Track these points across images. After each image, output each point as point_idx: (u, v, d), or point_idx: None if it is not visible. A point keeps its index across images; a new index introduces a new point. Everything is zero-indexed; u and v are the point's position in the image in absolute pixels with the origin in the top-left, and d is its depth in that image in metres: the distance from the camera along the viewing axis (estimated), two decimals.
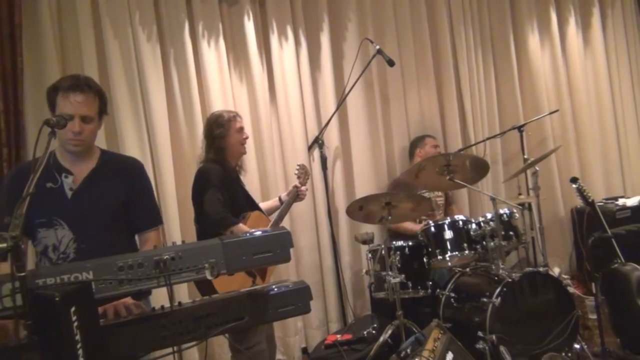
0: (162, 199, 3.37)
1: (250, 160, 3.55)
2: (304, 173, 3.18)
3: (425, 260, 3.30)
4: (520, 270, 3.09)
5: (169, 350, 1.41)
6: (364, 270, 3.52)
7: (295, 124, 3.87)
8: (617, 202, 4.44)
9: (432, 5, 4.40)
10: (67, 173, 1.95)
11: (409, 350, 2.45)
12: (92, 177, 1.98)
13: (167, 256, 1.33)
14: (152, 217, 2.14)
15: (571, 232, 4.74)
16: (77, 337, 1.14)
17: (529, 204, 4.07)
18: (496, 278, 2.99)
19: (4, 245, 1.12)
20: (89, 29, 3.25)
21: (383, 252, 3.16)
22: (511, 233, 3.24)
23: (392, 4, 4.25)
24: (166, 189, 3.39)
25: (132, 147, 3.31)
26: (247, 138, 2.95)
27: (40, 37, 3.11)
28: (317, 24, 4.00)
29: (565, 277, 4.48)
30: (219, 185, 2.68)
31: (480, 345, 2.77)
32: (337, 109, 3.92)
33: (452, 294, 3.19)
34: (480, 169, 3.30)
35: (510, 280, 2.89)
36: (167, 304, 1.38)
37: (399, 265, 3.15)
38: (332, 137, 4.01)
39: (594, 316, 3.38)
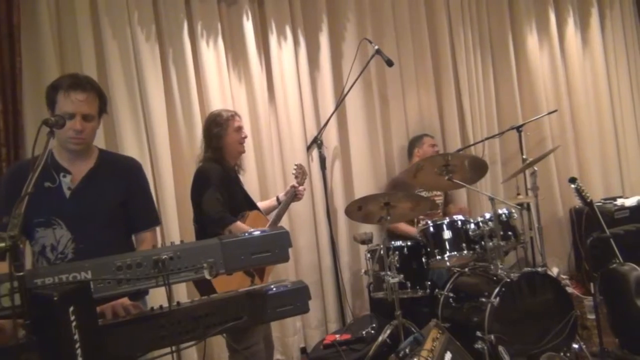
0: (160, 198, 3.38)
1: (249, 160, 3.56)
2: (301, 173, 3.18)
3: (424, 260, 3.30)
4: (519, 270, 3.10)
5: (168, 350, 1.40)
6: (363, 270, 3.52)
7: (294, 123, 3.87)
8: (615, 202, 4.44)
9: (431, 5, 4.40)
10: (65, 172, 1.94)
11: (407, 350, 2.45)
12: (91, 177, 1.98)
13: (165, 256, 1.33)
14: (150, 217, 2.14)
15: (570, 232, 4.75)
16: (76, 337, 1.14)
17: (528, 204, 4.07)
18: (495, 278, 2.99)
19: (2, 244, 1.12)
20: (88, 29, 3.25)
21: (382, 252, 3.17)
22: (510, 233, 3.25)
23: (391, 4, 4.25)
24: (165, 189, 3.40)
25: (130, 146, 3.31)
26: (245, 137, 2.94)
27: (38, 37, 3.11)
28: (316, 24, 4.00)
29: (564, 277, 4.48)
30: (218, 185, 2.68)
31: (478, 345, 2.77)
32: (336, 109, 3.93)
33: (451, 294, 3.19)
34: (479, 169, 3.30)
35: (508, 280, 2.89)
36: (165, 304, 1.38)
37: (397, 265, 3.15)
38: (331, 137, 4.01)
39: (592, 316, 3.39)
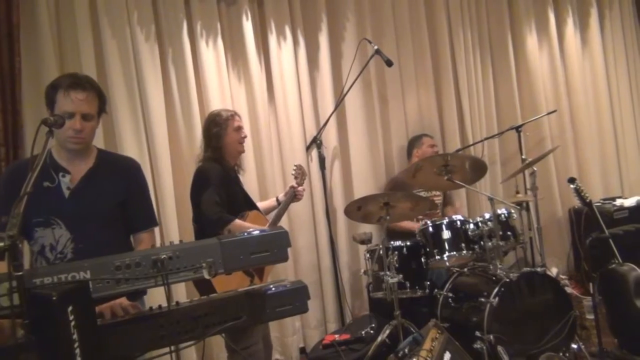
0: (160, 198, 3.38)
1: (248, 160, 3.56)
2: (301, 173, 3.18)
3: (423, 260, 3.30)
4: (518, 270, 3.10)
5: (167, 350, 1.40)
6: (362, 270, 3.52)
7: (293, 123, 3.87)
8: (614, 203, 4.45)
9: (430, 5, 4.40)
10: (64, 172, 1.94)
11: (406, 350, 2.45)
12: (90, 177, 1.98)
13: (164, 256, 1.33)
14: (148, 218, 2.14)
15: (569, 233, 4.75)
16: (75, 337, 1.14)
17: (527, 204, 4.08)
18: (494, 278, 2.99)
19: (1, 244, 1.12)
20: (87, 29, 3.25)
21: (381, 252, 3.17)
22: (509, 233, 3.25)
23: (391, 4, 4.25)
24: (164, 189, 3.40)
25: (130, 146, 3.31)
26: (245, 137, 2.94)
27: (38, 36, 3.11)
28: (315, 24, 4.00)
29: (563, 277, 4.48)
30: (218, 185, 2.67)
31: (477, 345, 2.77)
32: (336, 109, 3.92)
33: (450, 294, 3.19)
34: (478, 169, 3.30)
35: (508, 280, 2.89)
36: (164, 304, 1.38)
37: (397, 265, 3.15)
38: (331, 137, 4.01)
39: (591, 316, 3.39)
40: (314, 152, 3.92)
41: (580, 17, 4.99)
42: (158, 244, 1.63)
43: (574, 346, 2.93)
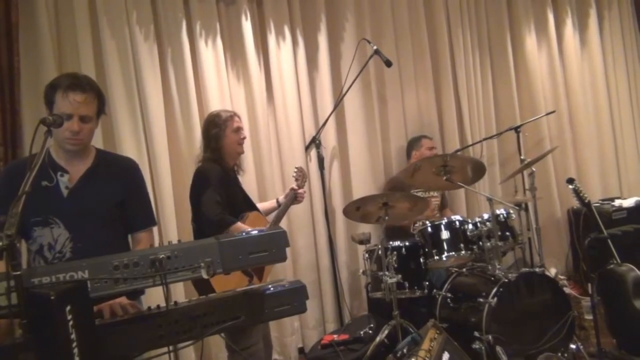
0: (159, 198, 3.38)
1: (247, 160, 3.55)
2: (301, 176, 3.17)
3: (422, 260, 3.30)
4: (517, 270, 3.10)
5: (165, 349, 1.40)
6: (361, 270, 3.52)
7: (292, 123, 3.87)
8: (613, 203, 4.45)
9: (430, 6, 4.41)
10: (62, 171, 1.94)
11: (405, 350, 2.45)
12: (89, 177, 1.98)
13: (162, 255, 1.33)
14: (146, 218, 2.14)
15: (567, 233, 4.76)
16: (73, 337, 1.14)
17: (526, 205, 4.08)
18: (493, 278, 2.99)
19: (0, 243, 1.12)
20: (86, 29, 3.25)
21: (380, 252, 3.17)
22: (508, 233, 3.25)
23: (390, 4, 4.25)
24: (163, 188, 3.39)
25: (129, 146, 3.31)
26: (244, 138, 2.93)
27: (37, 36, 3.11)
28: (314, 24, 4.00)
29: (562, 277, 4.49)
30: (218, 185, 2.66)
31: (476, 345, 2.78)
32: (335, 109, 3.93)
33: (449, 294, 3.20)
34: (477, 171, 3.30)
35: (506, 280, 2.89)
36: (162, 304, 1.38)
37: (395, 265, 3.15)
38: (330, 137, 4.01)
39: (590, 317, 3.39)
40: (313, 152, 3.92)
41: (579, 18, 5.00)
42: (156, 243, 1.63)
43: (573, 346, 2.94)
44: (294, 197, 3.12)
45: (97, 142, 2.95)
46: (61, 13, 3.25)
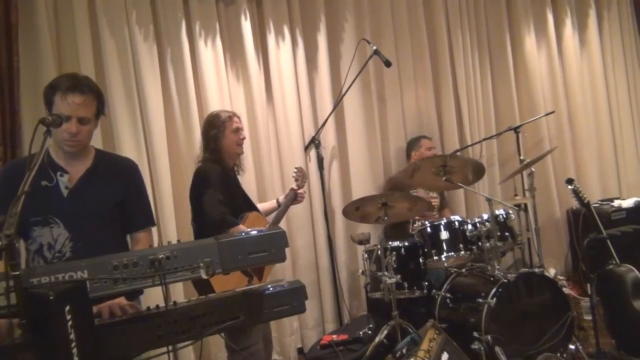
0: (158, 198, 3.37)
1: (247, 161, 3.55)
2: (301, 176, 3.17)
3: (421, 260, 3.30)
4: (516, 271, 3.11)
5: (164, 349, 1.40)
6: (360, 271, 3.52)
7: (292, 124, 3.87)
8: (612, 204, 4.46)
9: (429, 6, 4.41)
10: (62, 171, 1.94)
11: (404, 351, 2.45)
12: (88, 177, 1.98)
13: (162, 255, 1.33)
14: (145, 218, 2.15)
15: (567, 233, 4.76)
16: (72, 337, 1.13)
17: (525, 205, 4.08)
18: (492, 279, 2.99)
19: None
20: (86, 29, 3.25)
21: (379, 252, 3.17)
22: (507, 234, 3.26)
23: (390, 5, 4.25)
24: (162, 189, 3.39)
25: (128, 146, 3.31)
26: (244, 138, 2.93)
27: (36, 36, 3.10)
28: (314, 24, 4.00)
29: (561, 278, 4.50)
30: (218, 185, 2.66)
31: (475, 345, 2.78)
32: (334, 109, 3.93)
33: (448, 295, 3.20)
34: (476, 171, 3.30)
35: (505, 281, 2.90)
36: (162, 304, 1.38)
37: (395, 265, 3.15)
38: (329, 137, 4.01)
39: (589, 317, 3.40)
40: (313, 152, 3.92)
41: (579, 18, 5.00)
42: (156, 244, 1.62)
43: (572, 347, 2.94)
44: (293, 197, 3.12)
45: (97, 142, 2.95)
46: (60, 13, 3.24)
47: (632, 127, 5.17)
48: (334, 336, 3.47)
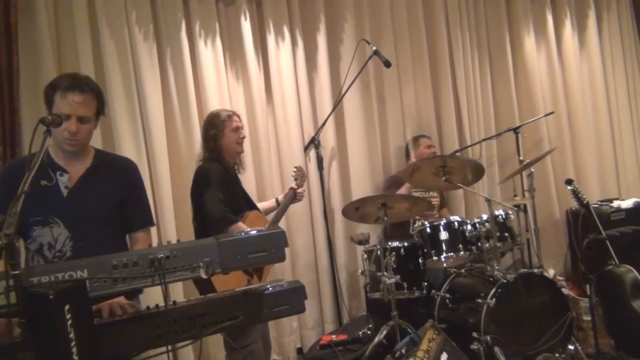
0: (158, 198, 3.37)
1: (246, 160, 3.54)
2: (300, 175, 3.18)
3: (420, 261, 3.30)
4: (515, 271, 3.11)
5: (164, 349, 1.41)
6: (360, 271, 3.53)
7: (291, 124, 3.87)
8: (611, 204, 4.46)
9: (429, 6, 4.41)
10: (62, 171, 1.94)
11: (403, 351, 2.45)
12: (88, 177, 1.98)
13: (161, 255, 1.33)
14: (145, 218, 2.15)
15: (566, 234, 4.76)
16: (71, 336, 1.14)
17: (524, 206, 4.09)
18: (491, 279, 3.00)
19: None
20: (85, 28, 3.25)
21: (379, 252, 3.17)
22: (506, 234, 3.26)
23: (389, 5, 4.25)
24: (162, 188, 3.39)
25: (128, 146, 3.30)
26: (244, 137, 2.93)
27: (36, 36, 3.10)
28: (314, 24, 4.00)
29: (560, 278, 4.50)
30: (219, 184, 2.67)
31: (474, 345, 2.78)
32: (334, 109, 3.93)
33: (447, 295, 3.20)
34: (476, 172, 3.30)
35: (505, 281, 2.90)
36: (161, 303, 1.38)
37: (394, 265, 3.15)
38: (329, 138, 4.01)
39: (588, 317, 3.40)
40: (312, 153, 3.92)
41: (578, 19, 5.01)
42: (155, 243, 1.63)
43: (571, 347, 2.94)
44: (293, 197, 3.12)
45: (97, 142, 2.95)
46: (60, 13, 3.24)
47: (632, 127, 5.18)
48: (333, 336, 3.47)
